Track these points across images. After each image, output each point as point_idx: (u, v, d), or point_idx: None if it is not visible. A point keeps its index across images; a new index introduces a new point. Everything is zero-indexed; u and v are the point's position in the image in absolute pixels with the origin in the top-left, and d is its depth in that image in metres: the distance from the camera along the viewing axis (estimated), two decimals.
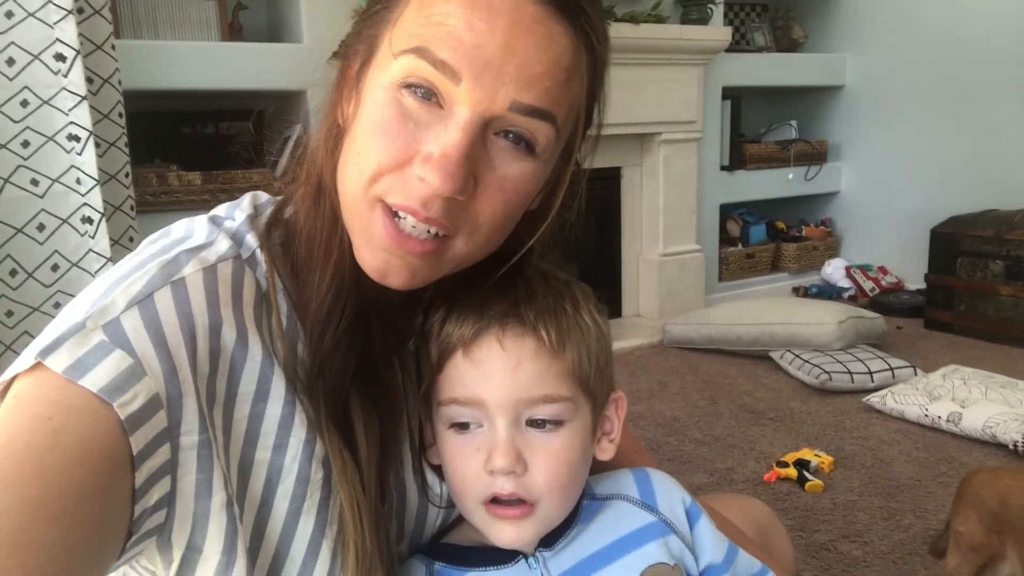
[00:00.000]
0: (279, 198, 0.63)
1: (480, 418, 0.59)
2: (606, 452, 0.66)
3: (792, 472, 1.88)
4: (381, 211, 0.52)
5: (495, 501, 0.58)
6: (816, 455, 1.96)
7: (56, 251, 1.36)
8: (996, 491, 1.22)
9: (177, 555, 0.51)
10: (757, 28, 3.80)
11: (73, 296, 1.42)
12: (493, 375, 0.58)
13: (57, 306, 1.39)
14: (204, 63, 2.39)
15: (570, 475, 0.60)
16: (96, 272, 1.40)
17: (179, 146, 2.60)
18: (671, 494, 0.67)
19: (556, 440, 0.59)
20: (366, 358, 0.60)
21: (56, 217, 1.33)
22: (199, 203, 2.38)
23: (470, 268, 0.59)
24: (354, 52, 0.57)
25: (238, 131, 2.84)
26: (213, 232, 0.56)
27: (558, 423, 0.59)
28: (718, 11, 3.28)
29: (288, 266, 0.58)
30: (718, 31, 3.19)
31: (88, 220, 1.33)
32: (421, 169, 0.50)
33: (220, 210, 0.60)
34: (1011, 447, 1.96)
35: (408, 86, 0.51)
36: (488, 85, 0.49)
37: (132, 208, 1.50)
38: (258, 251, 0.57)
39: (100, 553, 0.45)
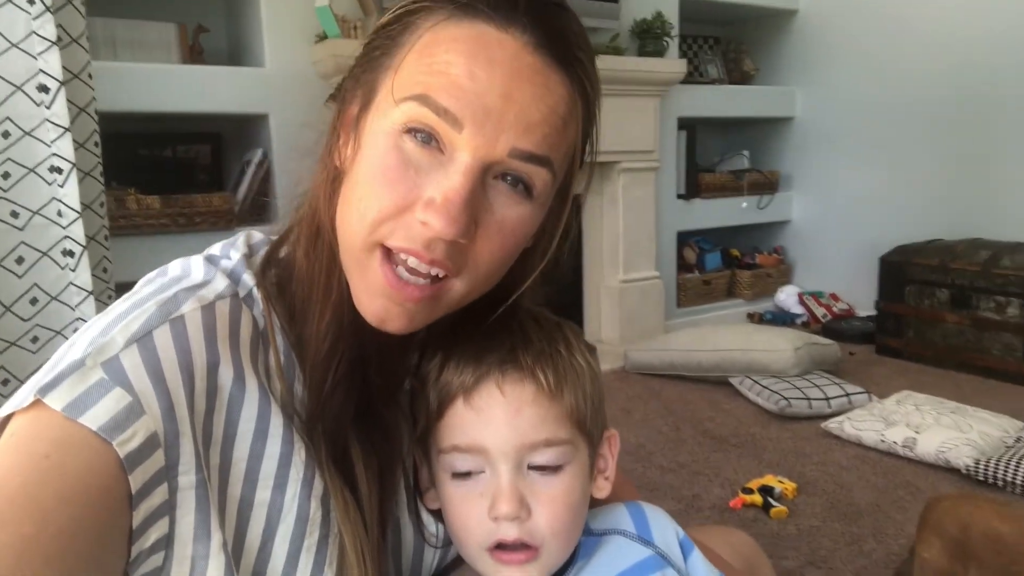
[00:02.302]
0: (273, 238, 0.63)
1: (482, 464, 0.59)
2: (603, 490, 0.67)
3: (757, 499, 1.91)
4: (380, 257, 0.53)
5: (500, 547, 0.59)
6: (780, 481, 1.99)
7: (35, 284, 1.32)
8: (958, 518, 1.25)
9: None
10: (710, 60, 3.91)
11: (52, 330, 1.39)
12: (494, 422, 0.58)
13: (35, 340, 1.35)
14: (164, 85, 2.36)
15: (572, 518, 0.61)
16: (76, 306, 1.36)
17: (136, 169, 2.55)
18: (665, 527, 0.68)
19: (558, 483, 0.60)
20: (365, 398, 0.60)
21: (36, 250, 1.29)
22: (157, 227, 2.34)
23: (464, 310, 0.60)
24: (352, 96, 0.58)
25: (197, 154, 2.80)
26: (210, 271, 0.56)
27: (559, 467, 0.60)
28: (673, 44, 3.37)
29: (284, 305, 0.59)
30: (674, 63, 3.26)
31: (69, 253, 1.29)
32: (424, 214, 0.51)
33: (215, 249, 0.61)
34: (963, 471, 2.02)
35: (410, 131, 0.52)
36: (489, 132, 0.51)
37: (106, 238, 1.47)
38: (255, 290, 0.57)
39: None
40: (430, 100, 0.50)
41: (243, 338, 0.54)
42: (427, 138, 0.51)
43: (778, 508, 1.87)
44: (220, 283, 0.55)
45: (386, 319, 0.54)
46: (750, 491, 1.94)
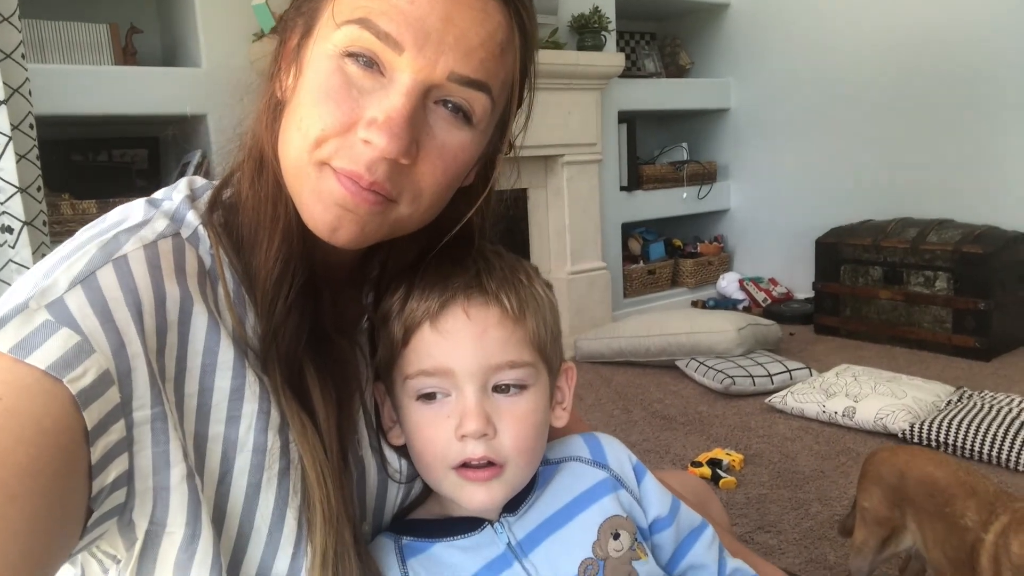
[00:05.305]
0: (216, 182, 0.63)
1: (448, 387, 0.60)
2: (560, 419, 0.69)
3: (707, 471, 1.96)
4: (333, 172, 0.53)
5: (465, 466, 0.60)
6: (727, 454, 2.05)
7: None
8: (895, 467, 1.31)
9: (140, 534, 0.50)
10: (647, 55, 4.00)
11: None
12: (460, 344, 0.60)
13: None
14: (97, 88, 2.31)
15: (535, 437, 0.63)
16: None
17: (70, 175, 2.49)
18: (619, 453, 0.71)
19: (521, 403, 0.62)
20: (317, 327, 0.61)
21: None
22: None
23: (420, 248, 0.62)
24: (293, 25, 0.59)
25: (133, 158, 2.74)
26: (150, 212, 0.56)
27: (522, 387, 0.62)
28: (611, 38, 3.43)
29: (231, 241, 0.59)
30: (612, 57, 3.33)
31: (7, 229, 1.25)
32: (366, 132, 0.52)
33: (158, 193, 0.61)
34: (900, 435, 2.11)
35: (351, 55, 0.53)
36: (429, 55, 0.52)
37: (45, 224, 1.43)
38: (200, 228, 0.57)
39: (62, 532, 0.44)
40: (371, 24, 0.52)
41: (189, 273, 0.54)
42: (369, 62, 0.53)
43: (727, 479, 1.92)
44: (160, 223, 0.55)
45: (338, 227, 0.54)
46: (699, 464, 1.99)
